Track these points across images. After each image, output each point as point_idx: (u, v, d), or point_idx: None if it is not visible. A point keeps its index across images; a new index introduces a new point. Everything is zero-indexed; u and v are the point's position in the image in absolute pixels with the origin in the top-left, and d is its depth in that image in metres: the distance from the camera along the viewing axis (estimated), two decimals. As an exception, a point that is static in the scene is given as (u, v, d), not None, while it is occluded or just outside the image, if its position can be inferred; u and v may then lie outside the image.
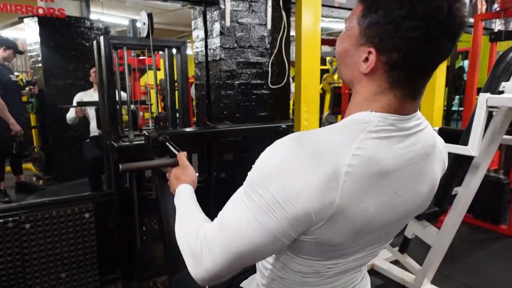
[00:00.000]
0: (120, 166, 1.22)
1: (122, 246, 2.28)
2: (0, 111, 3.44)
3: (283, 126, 1.89)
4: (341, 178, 0.57)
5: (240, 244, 0.62)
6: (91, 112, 3.35)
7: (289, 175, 0.58)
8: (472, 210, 2.95)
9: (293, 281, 0.77)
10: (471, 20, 4.08)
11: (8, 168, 3.99)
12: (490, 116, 1.85)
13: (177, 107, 2.47)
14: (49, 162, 4.31)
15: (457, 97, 6.19)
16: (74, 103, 3.37)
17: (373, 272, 2.54)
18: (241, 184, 0.66)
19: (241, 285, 0.98)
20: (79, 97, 3.43)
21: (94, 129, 3.34)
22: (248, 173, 0.64)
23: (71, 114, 3.40)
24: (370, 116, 0.63)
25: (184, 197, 0.97)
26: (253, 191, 0.61)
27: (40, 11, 2.20)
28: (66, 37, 4.10)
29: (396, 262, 2.52)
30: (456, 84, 5.85)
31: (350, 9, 2.65)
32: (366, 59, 0.63)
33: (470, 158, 1.90)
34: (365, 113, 0.64)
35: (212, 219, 0.74)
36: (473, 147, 1.76)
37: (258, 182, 0.61)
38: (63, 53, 4.11)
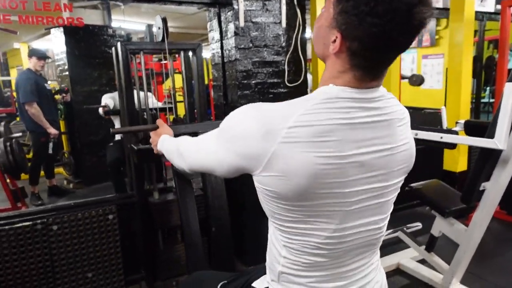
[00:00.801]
0: (110, 130, 1.56)
1: (145, 246, 2.33)
2: (36, 117, 3.66)
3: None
4: (280, 134, 0.69)
5: (204, 164, 0.92)
6: (116, 117, 3.45)
7: (242, 131, 0.74)
8: (506, 206, 2.81)
9: (300, 265, 0.79)
10: (498, 7, 3.89)
11: (41, 173, 4.18)
12: (518, 106, 1.75)
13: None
14: (78, 166, 4.48)
15: (487, 88, 5.93)
16: (103, 103, 3.46)
17: (398, 271, 2.47)
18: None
19: (253, 284, 0.98)
20: (107, 97, 3.51)
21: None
22: (220, 124, 0.81)
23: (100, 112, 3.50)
24: (331, 88, 0.73)
25: (168, 138, 1.27)
26: (220, 138, 0.82)
27: (60, 21, 2.27)
28: (90, 45, 4.25)
29: (423, 261, 2.43)
30: (487, 75, 5.60)
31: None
32: (334, 41, 0.71)
33: (498, 151, 1.81)
34: (327, 87, 0.74)
35: None
36: (500, 140, 1.67)
37: (224, 136, 0.80)
38: (88, 61, 4.26)
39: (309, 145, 0.68)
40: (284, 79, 2.53)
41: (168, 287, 2.37)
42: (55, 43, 4.44)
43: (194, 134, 1.80)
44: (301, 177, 0.69)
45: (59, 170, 4.91)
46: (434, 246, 2.26)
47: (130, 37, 4.58)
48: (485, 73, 5.38)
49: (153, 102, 2.90)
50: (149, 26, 2.32)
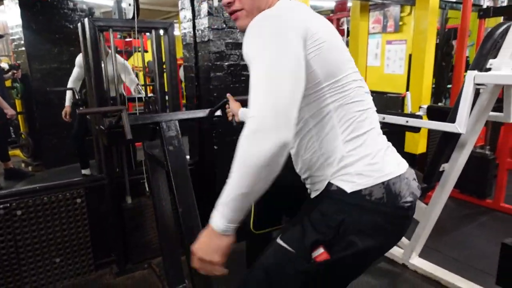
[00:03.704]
0: (77, 111, 1.45)
1: (115, 229, 2.30)
2: None
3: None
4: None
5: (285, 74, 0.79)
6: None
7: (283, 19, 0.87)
8: (459, 185, 3.02)
9: (330, 136, 0.92)
10: (460, -4, 4.07)
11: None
12: (477, 93, 1.88)
13: (166, 90, 2.45)
14: (37, 148, 4.26)
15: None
16: (77, 61, 3.29)
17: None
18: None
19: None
20: (72, 80, 3.31)
21: None
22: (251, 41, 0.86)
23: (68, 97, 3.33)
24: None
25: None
26: (269, 40, 0.82)
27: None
28: (49, 19, 3.98)
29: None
30: (446, 62, 5.86)
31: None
32: None
33: (458, 135, 1.93)
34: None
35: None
36: (460, 124, 1.79)
37: (259, 36, 0.84)
38: (47, 36, 4.00)
39: None
40: (257, 62, 2.52)
41: (140, 269, 2.36)
42: (9, 16, 4.12)
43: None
44: None
45: (16, 152, 4.65)
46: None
47: (93, 11, 4.32)
48: (444, 60, 5.64)
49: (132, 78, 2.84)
50: (118, 2, 2.22)
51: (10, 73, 4.04)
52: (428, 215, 2.20)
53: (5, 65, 4.32)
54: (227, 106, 1.72)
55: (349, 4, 4.28)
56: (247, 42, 0.86)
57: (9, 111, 3.50)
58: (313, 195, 0.99)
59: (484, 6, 3.37)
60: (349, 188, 0.89)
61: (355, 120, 0.93)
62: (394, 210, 0.91)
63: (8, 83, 4.34)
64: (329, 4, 4.83)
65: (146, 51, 3.68)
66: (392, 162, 0.96)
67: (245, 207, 0.80)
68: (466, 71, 1.89)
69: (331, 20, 5.12)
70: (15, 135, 4.66)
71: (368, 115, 0.96)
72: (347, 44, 5.13)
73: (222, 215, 0.81)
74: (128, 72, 3.04)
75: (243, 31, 0.95)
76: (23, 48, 3.96)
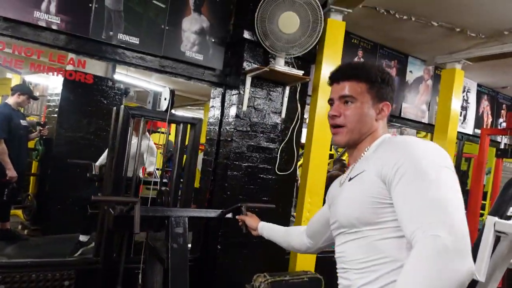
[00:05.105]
0: (92, 197, 1.62)
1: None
2: (0, 155, 3.41)
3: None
4: None
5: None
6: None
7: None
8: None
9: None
10: (477, 130, 4.23)
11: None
12: (497, 239, 1.81)
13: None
14: (39, 212, 4.19)
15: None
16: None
17: None
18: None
19: None
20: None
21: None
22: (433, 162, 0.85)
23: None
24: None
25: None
26: (440, 172, 0.83)
27: (71, 75, 2.31)
28: (87, 93, 4.24)
29: None
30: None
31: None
32: (381, 110, 1.05)
33: (476, 282, 1.81)
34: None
35: None
36: (479, 272, 1.69)
37: (439, 165, 0.85)
38: (80, 108, 4.22)
39: None
40: (275, 167, 2.56)
41: None
42: (52, 81, 4.43)
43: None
44: None
45: (17, 212, 4.58)
46: None
47: (129, 91, 4.63)
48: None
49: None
50: (155, 94, 2.37)
51: (36, 131, 4.15)
52: None
53: (31, 121, 4.44)
54: (242, 217, 1.66)
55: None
56: (418, 155, 0.86)
57: (10, 173, 3.44)
58: None
59: (502, 144, 3.47)
60: None
61: None
62: None
63: (31, 144, 4.47)
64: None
65: (169, 134, 3.82)
66: None
67: None
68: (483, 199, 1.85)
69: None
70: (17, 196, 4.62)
71: None
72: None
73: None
74: (152, 154, 3.13)
75: (336, 145, 0.99)
76: (55, 115, 4.16)
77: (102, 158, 3.49)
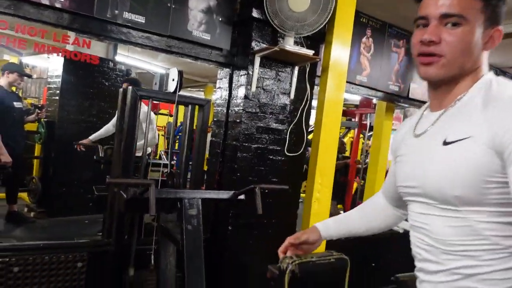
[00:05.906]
0: (107, 179, 1.65)
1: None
2: None
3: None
4: None
5: None
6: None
7: None
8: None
9: None
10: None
11: (2, 195, 3.88)
12: None
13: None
14: (44, 195, 4.19)
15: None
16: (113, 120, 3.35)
17: None
18: None
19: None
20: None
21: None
22: None
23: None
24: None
25: None
26: None
27: (76, 56, 2.25)
28: (88, 75, 4.18)
29: None
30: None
31: (369, 88, 2.68)
32: (491, 37, 0.80)
33: None
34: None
35: None
36: None
37: None
38: (82, 90, 4.17)
39: None
40: (284, 148, 2.54)
41: None
42: (52, 64, 4.36)
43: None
44: None
45: (22, 195, 4.58)
46: None
47: (130, 73, 4.57)
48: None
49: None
50: (162, 75, 2.33)
51: (34, 114, 4.08)
52: None
53: (24, 104, 4.32)
54: (300, 236, 1.14)
55: (374, 101, 4.44)
56: None
57: (4, 158, 3.31)
58: None
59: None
60: None
61: None
62: None
63: (33, 127, 4.43)
64: (352, 97, 5.06)
65: (171, 115, 3.78)
66: None
67: None
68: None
69: (354, 114, 5.28)
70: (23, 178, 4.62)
71: None
72: (369, 138, 5.22)
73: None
74: (152, 125, 3.10)
75: (426, 79, 0.82)
76: (57, 98, 4.11)
77: (98, 134, 3.48)
